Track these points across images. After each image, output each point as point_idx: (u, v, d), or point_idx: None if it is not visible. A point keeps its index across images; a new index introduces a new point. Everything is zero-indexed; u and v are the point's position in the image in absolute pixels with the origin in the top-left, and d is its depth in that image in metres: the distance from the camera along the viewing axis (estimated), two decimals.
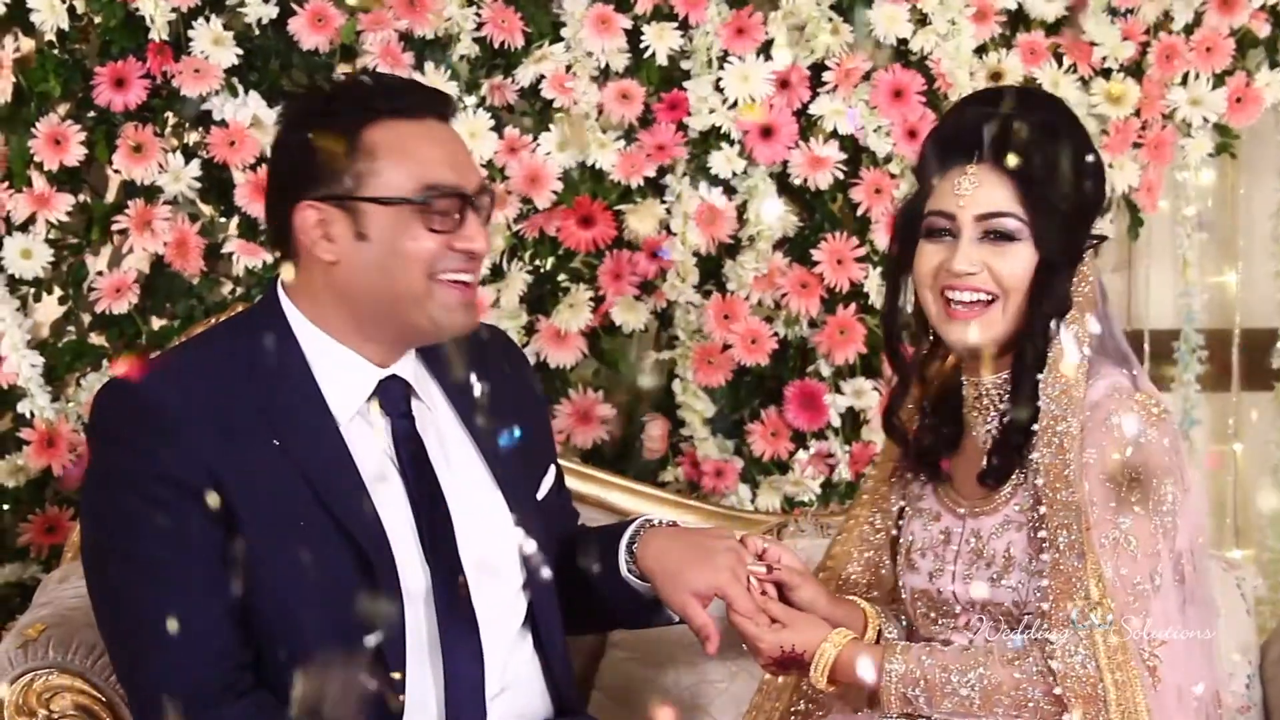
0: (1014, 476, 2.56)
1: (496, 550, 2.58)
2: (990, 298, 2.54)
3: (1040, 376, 2.52)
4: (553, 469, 2.77)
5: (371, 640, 2.44)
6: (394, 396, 2.55)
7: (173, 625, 2.37)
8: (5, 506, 3.57)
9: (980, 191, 2.53)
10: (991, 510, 2.58)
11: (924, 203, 2.59)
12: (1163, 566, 2.48)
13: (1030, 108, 2.59)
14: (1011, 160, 2.52)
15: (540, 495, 2.70)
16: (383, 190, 2.45)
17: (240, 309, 2.94)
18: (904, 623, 2.71)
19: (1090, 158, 2.60)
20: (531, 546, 2.61)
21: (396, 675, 2.45)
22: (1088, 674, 2.42)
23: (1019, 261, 2.53)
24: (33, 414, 3.50)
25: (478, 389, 2.62)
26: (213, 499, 2.39)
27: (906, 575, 2.67)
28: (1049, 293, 2.53)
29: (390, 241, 2.46)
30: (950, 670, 2.48)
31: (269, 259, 3.52)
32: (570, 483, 3.35)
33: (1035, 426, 2.51)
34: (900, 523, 2.73)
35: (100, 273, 3.57)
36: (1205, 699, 2.54)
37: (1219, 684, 2.59)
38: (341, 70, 3.56)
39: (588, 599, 2.71)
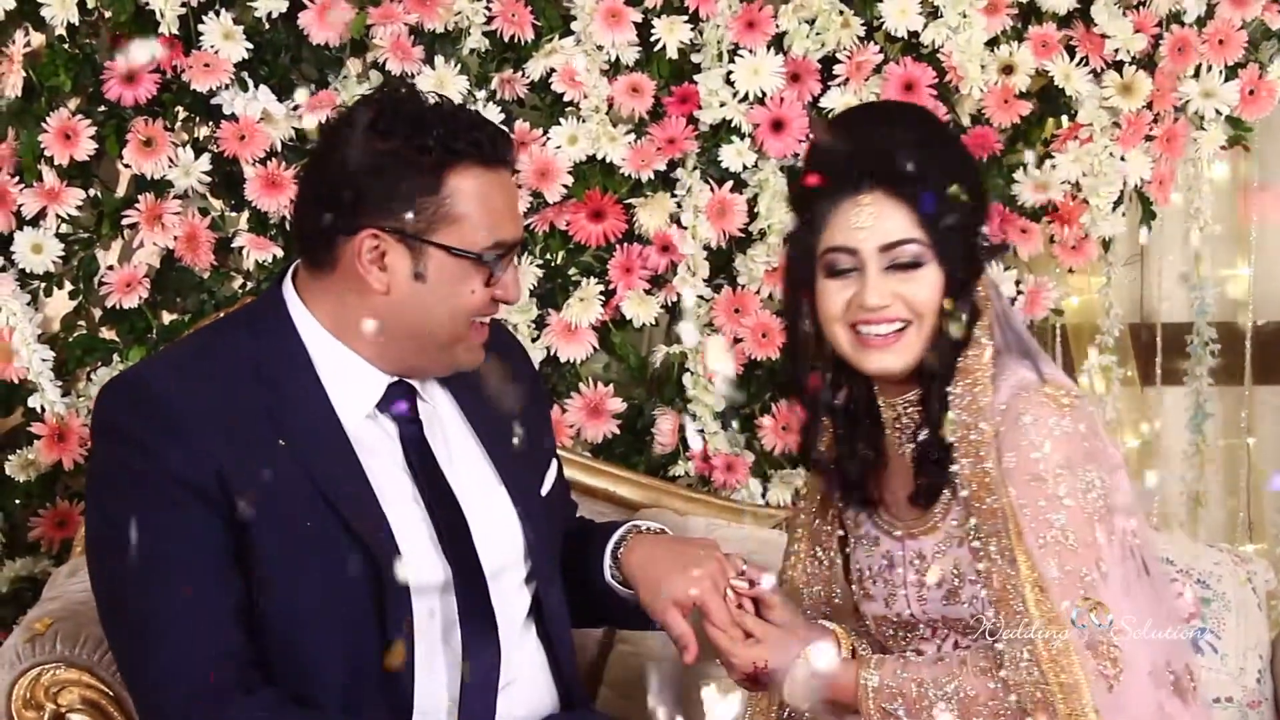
0: (944, 493, 2.51)
1: (502, 545, 2.59)
2: (903, 324, 2.48)
3: (949, 389, 2.48)
4: (554, 462, 2.76)
5: (379, 637, 2.44)
6: (399, 401, 2.55)
7: (179, 623, 2.37)
8: (16, 501, 3.58)
9: (879, 221, 2.45)
10: (930, 530, 2.54)
11: (816, 238, 2.49)
12: (1105, 553, 2.43)
13: (904, 125, 2.52)
14: (903, 183, 2.44)
15: (544, 491, 2.70)
16: (456, 241, 2.45)
17: (247, 301, 2.94)
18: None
19: (969, 165, 2.56)
20: (535, 541, 2.61)
21: (405, 671, 2.45)
22: (1034, 680, 2.39)
23: (928, 285, 2.46)
24: (43, 408, 3.50)
25: (481, 384, 2.61)
26: (218, 497, 2.39)
27: (864, 603, 2.64)
28: (959, 308, 2.47)
29: (447, 287, 2.47)
30: (925, 684, 2.46)
31: (279, 253, 3.52)
32: (580, 477, 3.36)
33: (951, 439, 2.47)
34: (847, 551, 2.68)
35: (111, 267, 3.57)
36: (1178, 672, 2.50)
37: (1188, 656, 2.54)
38: (352, 64, 3.57)
39: (581, 596, 2.71)
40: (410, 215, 2.43)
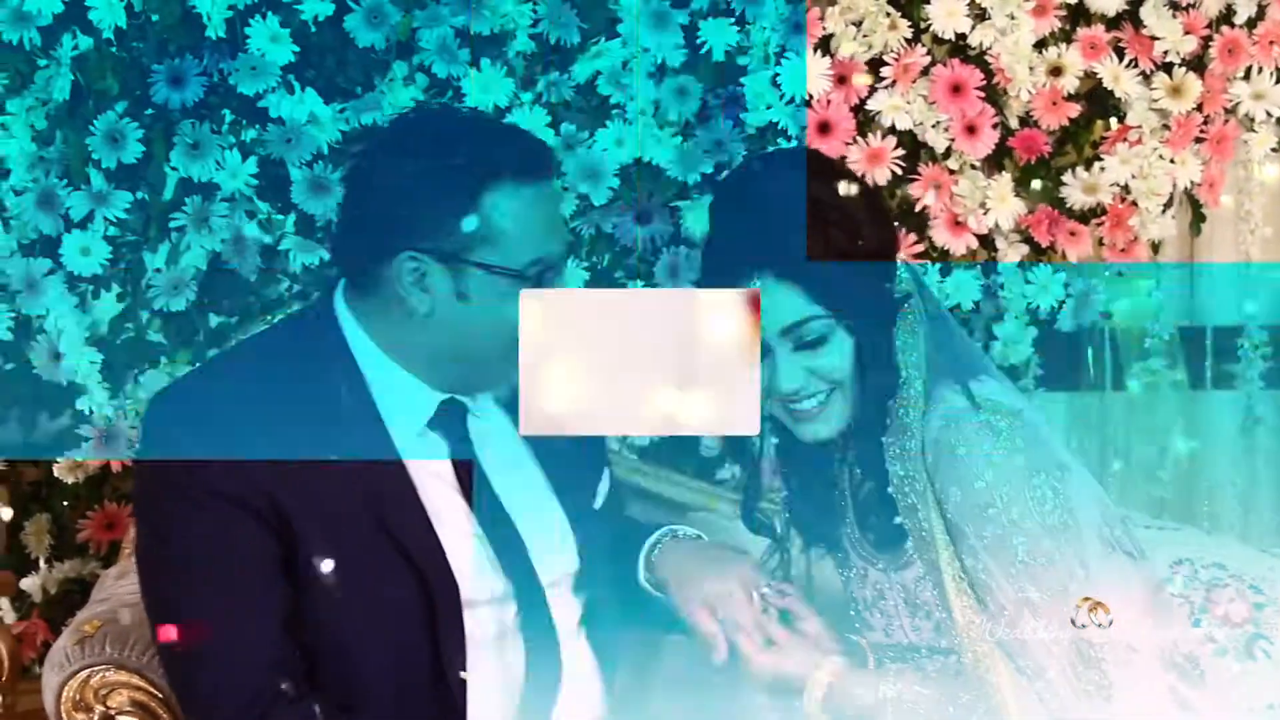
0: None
1: (556, 558, 2.59)
2: (827, 393, 2.45)
3: (883, 439, 2.44)
4: (605, 470, 2.75)
5: (431, 651, 2.45)
6: (450, 421, 2.54)
7: (228, 636, 2.38)
8: (65, 503, 3.59)
9: (773, 307, 2.40)
10: (906, 563, 2.52)
11: None
12: (1075, 556, 2.38)
13: (779, 195, 2.43)
14: (787, 262, 2.39)
15: (597, 505, 2.69)
16: (497, 259, 2.42)
17: (295, 309, 2.93)
18: None
19: (860, 206, 2.48)
20: (588, 552, 2.61)
21: (458, 682, 2.46)
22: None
23: (839, 353, 2.43)
24: (91, 411, 3.51)
25: None
26: (267, 512, 2.39)
27: (865, 632, 2.62)
28: (874, 365, 2.44)
29: (491, 305, 2.44)
30: (943, 699, 2.45)
31: (325, 256, 3.52)
32: (629, 479, 3.35)
33: (890, 490, 2.44)
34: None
35: (158, 270, 3.58)
36: (1182, 657, 2.44)
37: (1191, 645, 2.48)
38: (398, 67, 3.57)
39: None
40: (447, 235, 2.40)
